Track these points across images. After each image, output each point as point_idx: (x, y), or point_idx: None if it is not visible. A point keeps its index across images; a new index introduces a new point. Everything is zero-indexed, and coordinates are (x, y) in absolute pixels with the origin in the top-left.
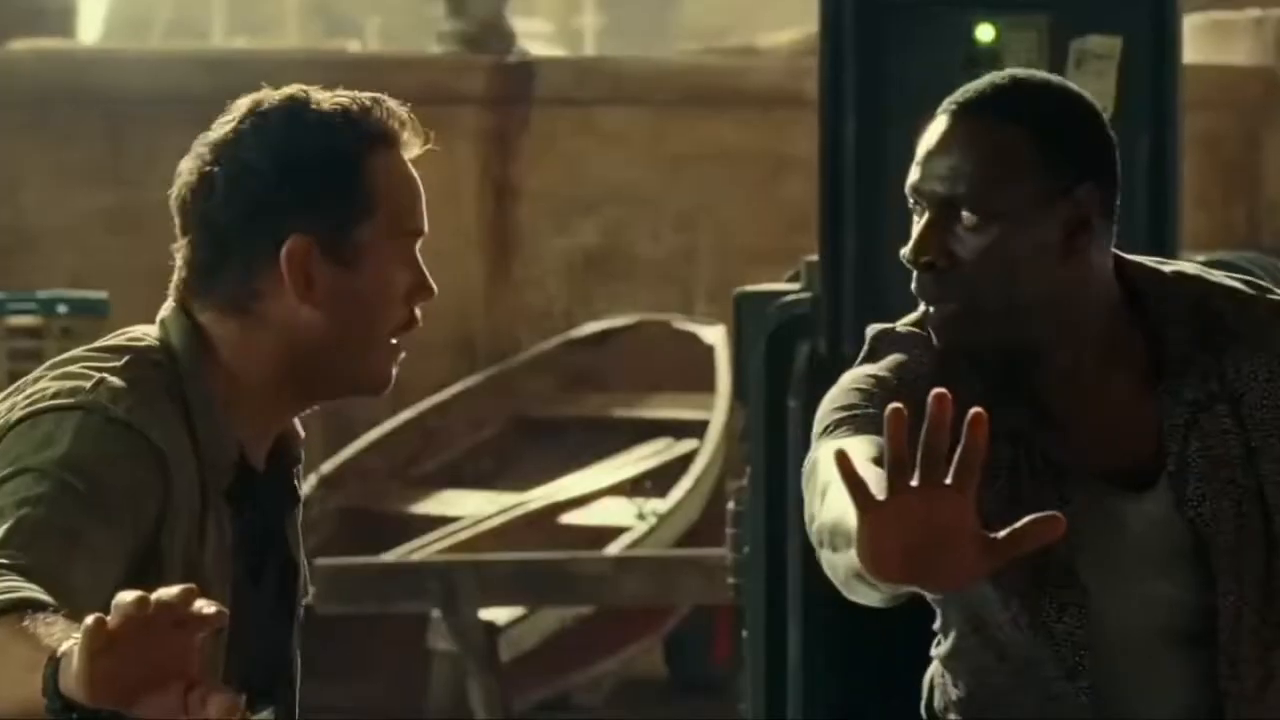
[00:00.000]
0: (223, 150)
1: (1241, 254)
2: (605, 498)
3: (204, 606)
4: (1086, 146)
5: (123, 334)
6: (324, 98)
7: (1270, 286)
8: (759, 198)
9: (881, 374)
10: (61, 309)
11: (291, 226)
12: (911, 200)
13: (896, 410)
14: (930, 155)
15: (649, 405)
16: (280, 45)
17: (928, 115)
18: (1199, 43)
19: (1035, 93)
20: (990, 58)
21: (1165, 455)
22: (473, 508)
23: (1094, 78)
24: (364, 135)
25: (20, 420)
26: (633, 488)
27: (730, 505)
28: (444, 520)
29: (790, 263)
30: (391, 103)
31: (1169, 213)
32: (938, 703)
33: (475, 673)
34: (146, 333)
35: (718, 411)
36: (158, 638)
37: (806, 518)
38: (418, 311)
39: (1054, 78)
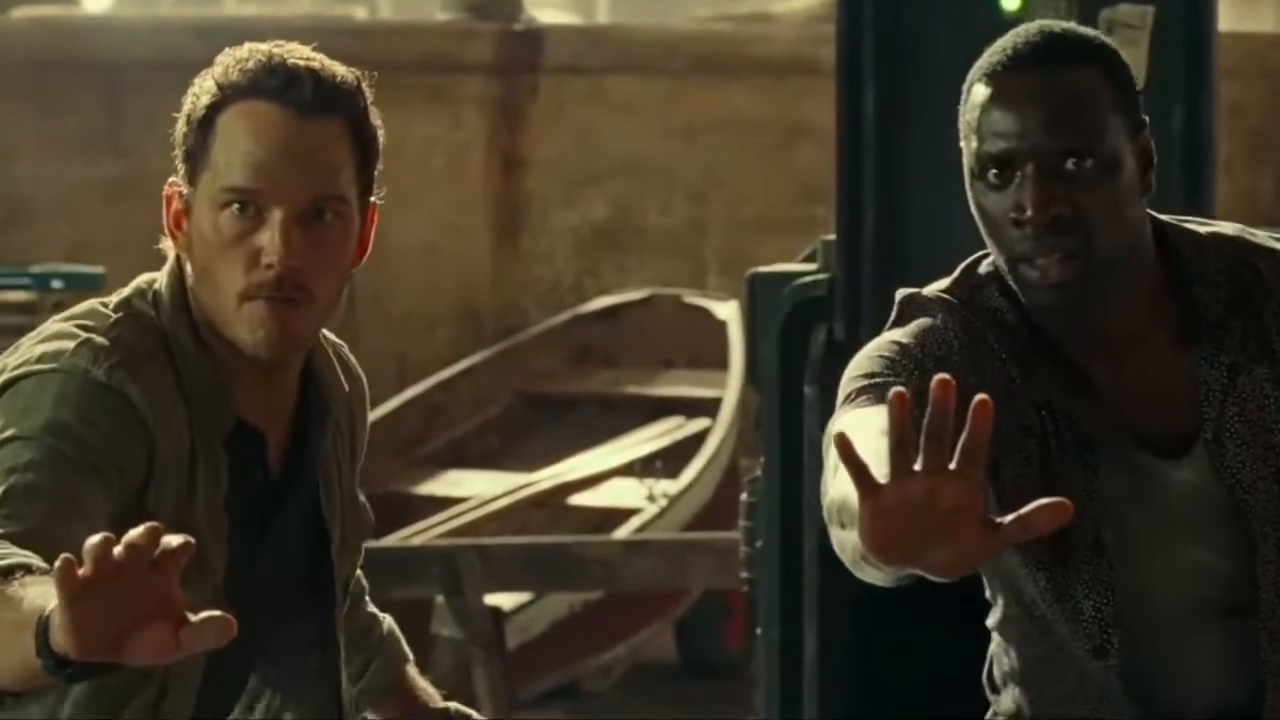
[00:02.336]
0: None
1: (1275, 232)
2: (615, 478)
3: (171, 540)
4: (1135, 87)
5: (131, 285)
6: (238, 49)
7: None
8: (773, 168)
9: (906, 341)
10: (56, 284)
11: (178, 172)
12: (991, 165)
13: (899, 394)
14: (1011, 111)
15: (660, 382)
16: (287, 12)
17: (976, 80)
18: (1224, 10)
19: (1086, 37)
20: (1016, 25)
21: (1203, 420)
22: (478, 488)
23: (1124, 47)
24: (216, 90)
25: (5, 385)
26: (643, 468)
27: (744, 496)
28: (449, 501)
29: (805, 234)
30: (289, 58)
31: (1203, 186)
32: (996, 673)
33: (480, 660)
34: (150, 280)
35: (730, 389)
36: (134, 581)
37: (821, 491)
38: (287, 274)
39: (1081, 27)
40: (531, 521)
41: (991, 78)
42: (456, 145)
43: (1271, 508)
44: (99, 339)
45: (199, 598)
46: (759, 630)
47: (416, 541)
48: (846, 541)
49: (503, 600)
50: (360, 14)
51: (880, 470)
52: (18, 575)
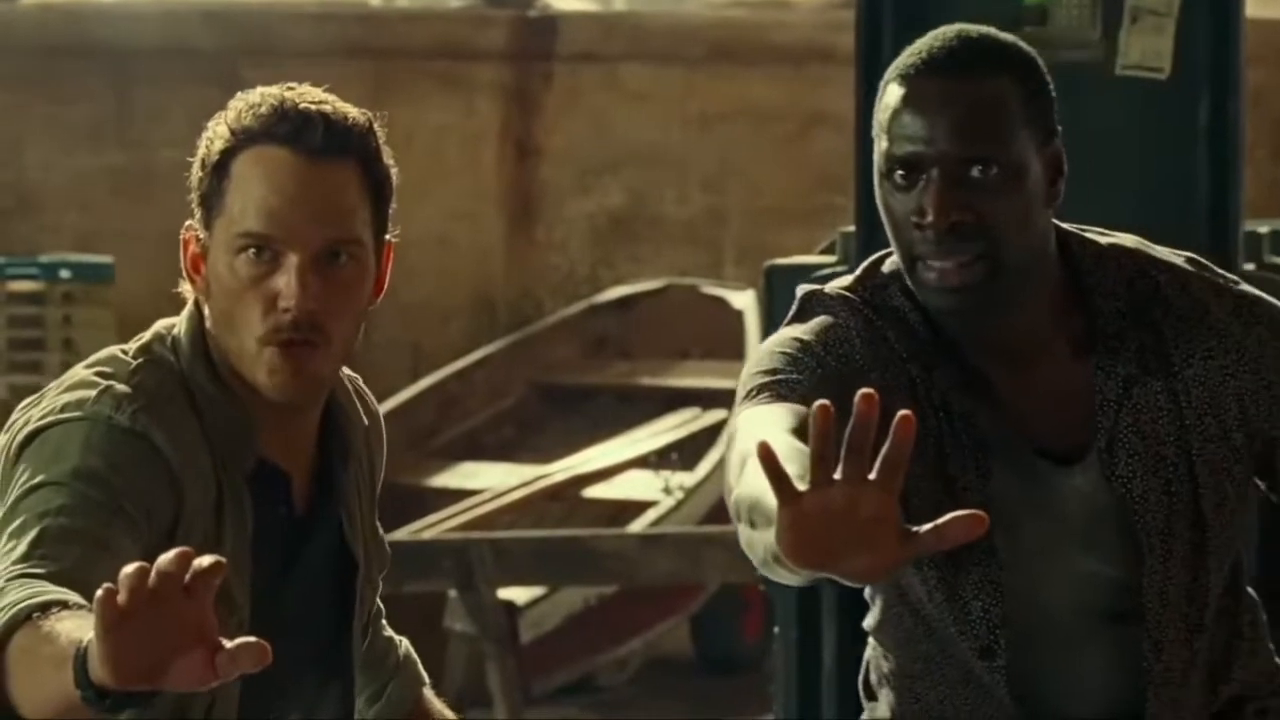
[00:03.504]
0: None
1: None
2: (630, 470)
3: (202, 561)
4: (1050, 98)
5: (150, 330)
6: (250, 93)
7: (1211, 265)
8: (790, 157)
9: (808, 338)
10: (64, 274)
11: (194, 216)
12: (897, 166)
13: (823, 406)
14: (921, 115)
15: (676, 373)
16: None
17: (890, 79)
18: None
19: (1003, 45)
20: (1039, 14)
21: (1097, 430)
22: (492, 480)
23: (1151, 34)
24: (229, 135)
25: (32, 436)
26: (659, 460)
27: None
28: (462, 493)
29: (823, 223)
30: (300, 103)
31: (1230, 177)
32: (873, 677)
33: (494, 655)
34: (168, 326)
35: None
36: (169, 608)
37: (725, 487)
38: (305, 317)
39: (1000, 32)
40: (546, 514)
41: (904, 79)
42: (470, 133)
43: (1159, 519)
44: (120, 386)
45: (224, 634)
46: (776, 630)
47: (430, 534)
48: (756, 541)
49: (516, 594)
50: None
51: (789, 469)
52: (54, 610)
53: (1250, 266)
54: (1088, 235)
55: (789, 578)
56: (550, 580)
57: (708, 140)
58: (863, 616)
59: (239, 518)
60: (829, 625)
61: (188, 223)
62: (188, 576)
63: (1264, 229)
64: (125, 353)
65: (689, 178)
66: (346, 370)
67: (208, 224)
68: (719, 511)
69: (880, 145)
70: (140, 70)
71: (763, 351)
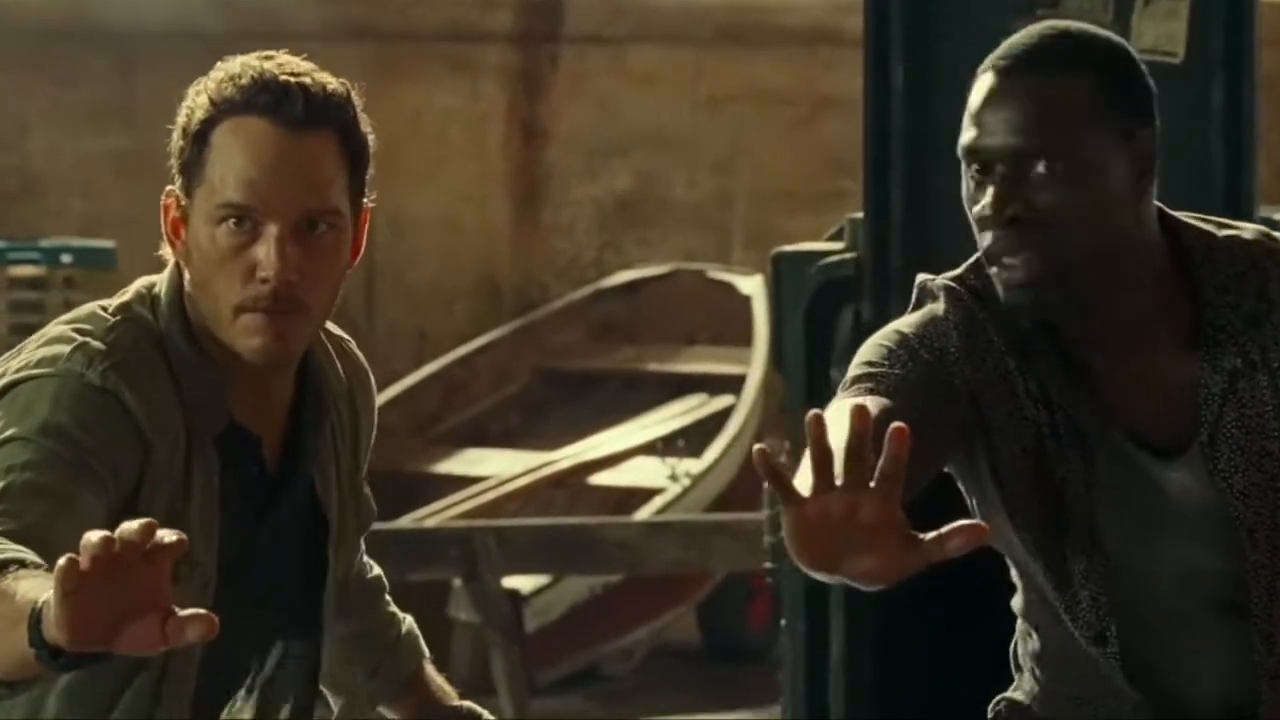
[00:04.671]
0: None
1: None
2: (636, 457)
3: (164, 536)
4: (1141, 92)
5: (130, 289)
6: (230, 62)
7: None
8: (799, 140)
9: (907, 331)
10: (65, 258)
11: (175, 182)
12: (970, 160)
13: (816, 416)
14: (994, 111)
15: (683, 359)
16: None
17: (976, 71)
18: None
19: (1088, 41)
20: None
21: (1200, 423)
22: (497, 467)
23: (1164, 18)
24: (209, 105)
25: (5, 389)
26: (665, 446)
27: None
28: (467, 480)
29: (832, 207)
30: (280, 74)
31: (1244, 162)
32: (1020, 652)
33: (498, 644)
34: (149, 285)
35: (755, 366)
36: (127, 574)
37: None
38: (283, 288)
39: (1096, 27)
40: (551, 501)
41: (986, 74)
42: (476, 116)
43: (1264, 514)
44: (95, 343)
45: (188, 593)
46: (784, 623)
47: (434, 521)
48: None
49: (521, 583)
50: None
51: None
52: (11, 569)
53: None
54: (1204, 226)
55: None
56: (555, 569)
57: (716, 123)
58: (869, 613)
59: (206, 478)
60: (836, 619)
61: (168, 187)
62: (149, 546)
63: (1279, 215)
64: (105, 309)
65: (697, 161)
66: (335, 329)
67: (188, 191)
68: (726, 498)
69: (963, 137)
70: (145, 53)
71: (868, 343)
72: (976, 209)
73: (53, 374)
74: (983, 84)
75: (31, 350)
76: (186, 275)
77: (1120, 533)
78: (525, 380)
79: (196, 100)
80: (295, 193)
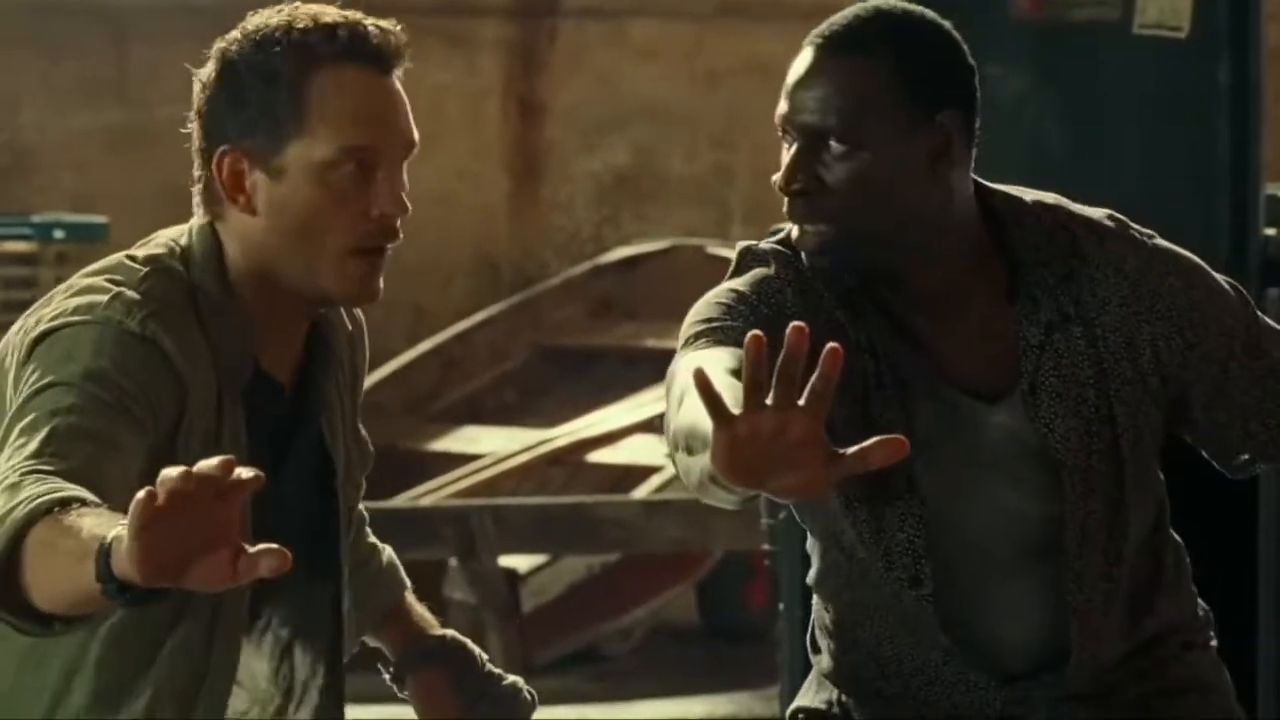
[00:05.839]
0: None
1: None
2: (635, 434)
3: (242, 472)
4: (947, 74)
5: (152, 239)
6: (283, 14)
7: (1129, 222)
8: None
9: (743, 289)
10: (57, 234)
11: (228, 139)
12: (781, 130)
13: (756, 336)
14: (798, 87)
15: None
16: None
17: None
18: None
19: (896, 23)
20: None
21: (1020, 373)
22: (494, 445)
23: None
24: (300, 54)
25: (43, 336)
26: (664, 424)
27: None
28: (464, 458)
29: None
30: (358, 20)
31: (1250, 139)
32: (817, 631)
33: (494, 624)
34: (175, 238)
35: None
36: (200, 509)
37: (664, 426)
38: (392, 224)
39: (915, 7)
40: (548, 480)
41: (807, 48)
42: (473, 91)
43: (1080, 457)
44: (130, 293)
45: None
46: (781, 606)
47: (430, 500)
48: (693, 466)
49: (518, 562)
50: None
51: (731, 401)
52: (75, 506)
53: (1271, 231)
54: (1011, 193)
55: (724, 498)
56: (553, 548)
57: (715, 98)
58: None
59: (235, 423)
60: None
61: (223, 146)
62: (227, 483)
63: None
64: (133, 259)
65: (696, 136)
66: None
67: (275, 142)
68: None
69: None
70: (138, 27)
71: (700, 304)
72: (774, 176)
73: (92, 320)
74: (800, 57)
75: (63, 299)
76: (228, 227)
77: (939, 477)
78: (523, 357)
79: (273, 52)
80: (403, 132)
